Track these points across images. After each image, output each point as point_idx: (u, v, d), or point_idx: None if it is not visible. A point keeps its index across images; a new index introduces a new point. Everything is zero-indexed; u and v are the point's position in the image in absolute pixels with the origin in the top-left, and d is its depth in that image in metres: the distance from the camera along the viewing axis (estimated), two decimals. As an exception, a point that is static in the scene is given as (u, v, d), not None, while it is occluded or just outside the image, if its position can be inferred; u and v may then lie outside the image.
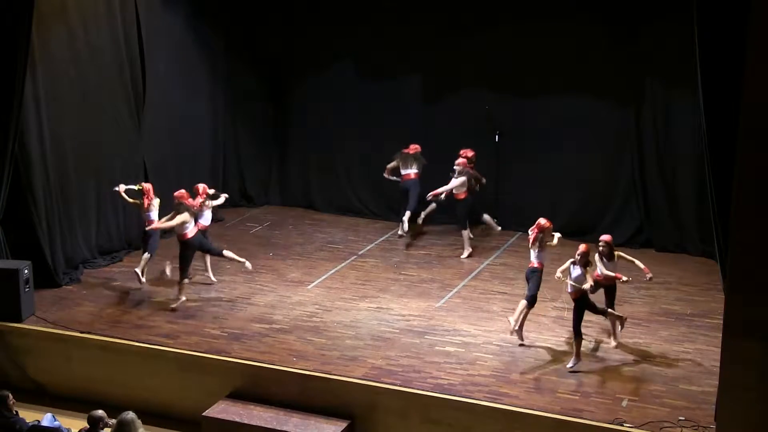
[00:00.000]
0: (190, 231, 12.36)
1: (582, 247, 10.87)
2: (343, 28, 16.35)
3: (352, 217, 16.74)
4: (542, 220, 11.41)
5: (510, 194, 15.82)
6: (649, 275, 11.28)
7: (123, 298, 12.87)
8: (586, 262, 10.79)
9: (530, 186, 15.64)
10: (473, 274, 13.93)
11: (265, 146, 17.47)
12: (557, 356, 11.11)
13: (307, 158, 17.24)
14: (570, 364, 10.76)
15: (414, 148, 15.13)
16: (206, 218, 12.90)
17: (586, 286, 10.70)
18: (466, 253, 14.65)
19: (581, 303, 10.81)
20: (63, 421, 9.72)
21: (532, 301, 11.32)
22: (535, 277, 11.31)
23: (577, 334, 10.77)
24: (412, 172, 15.10)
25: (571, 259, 10.87)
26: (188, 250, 12.45)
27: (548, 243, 11.34)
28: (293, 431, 10.15)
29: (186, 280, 12.56)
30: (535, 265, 11.31)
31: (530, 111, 15.47)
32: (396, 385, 10.36)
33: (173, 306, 12.41)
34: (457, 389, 10.26)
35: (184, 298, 12.53)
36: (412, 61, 16.06)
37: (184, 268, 12.45)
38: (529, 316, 11.53)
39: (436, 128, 15.86)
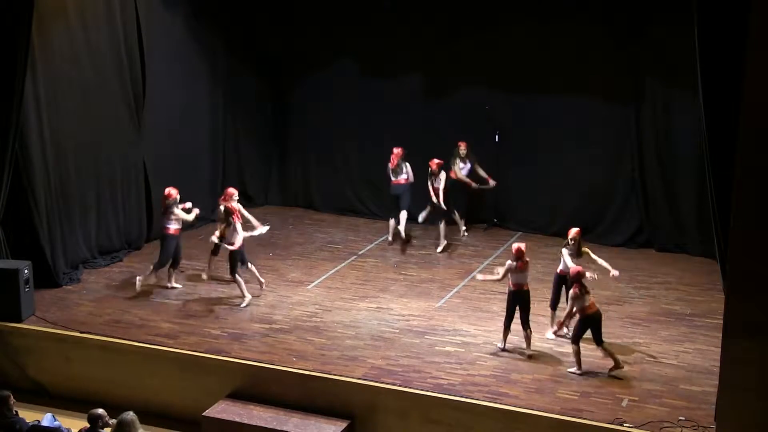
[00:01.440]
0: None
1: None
2: (343, 28, 16.35)
3: (352, 217, 16.75)
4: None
5: (510, 194, 15.82)
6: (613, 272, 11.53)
7: (123, 298, 12.87)
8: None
9: (530, 186, 15.65)
10: (473, 274, 13.93)
11: (265, 146, 17.47)
12: (557, 356, 11.11)
13: (307, 158, 17.24)
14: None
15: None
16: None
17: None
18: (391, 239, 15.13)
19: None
20: (63, 421, 9.71)
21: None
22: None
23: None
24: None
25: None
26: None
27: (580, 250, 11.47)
28: (293, 431, 10.15)
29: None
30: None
31: (530, 111, 15.47)
32: (396, 385, 10.36)
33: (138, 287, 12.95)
34: (457, 389, 10.26)
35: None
36: (412, 61, 16.05)
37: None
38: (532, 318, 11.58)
39: (436, 128, 15.85)
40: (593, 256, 11.51)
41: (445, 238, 14.93)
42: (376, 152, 16.43)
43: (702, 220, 13.88)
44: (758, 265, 8.53)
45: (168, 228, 12.87)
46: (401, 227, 14.95)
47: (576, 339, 10.71)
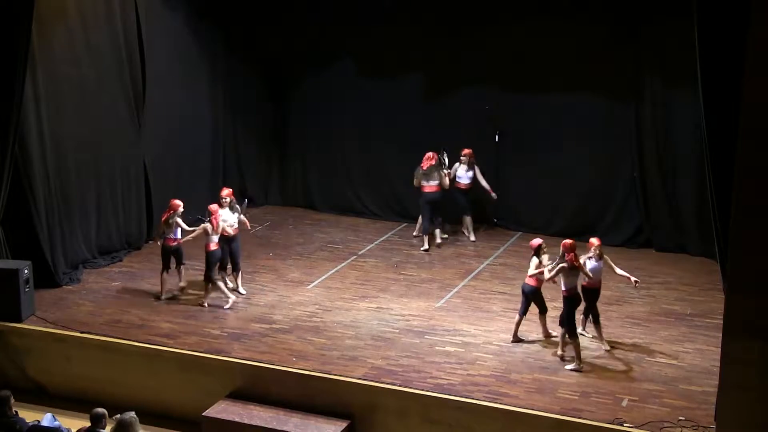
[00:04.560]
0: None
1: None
2: (343, 28, 16.35)
3: (352, 217, 16.75)
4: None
5: (510, 194, 15.82)
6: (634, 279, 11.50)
7: (123, 298, 12.87)
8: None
9: (530, 186, 15.65)
10: (473, 274, 13.94)
11: (265, 146, 17.47)
12: (557, 357, 11.10)
13: (307, 158, 17.24)
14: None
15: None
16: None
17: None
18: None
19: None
20: (63, 421, 9.70)
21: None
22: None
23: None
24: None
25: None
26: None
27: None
28: (293, 431, 10.15)
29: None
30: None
31: (530, 111, 15.47)
32: (396, 385, 10.36)
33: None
34: (457, 389, 10.26)
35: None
36: (412, 61, 16.06)
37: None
38: (528, 316, 11.56)
39: (436, 128, 15.85)
40: (611, 263, 11.42)
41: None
42: (376, 152, 16.47)
43: (702, 220, 13.88)
44: (758, 265, 8.53)
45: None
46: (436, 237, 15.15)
47: (572, 330, 10.76)
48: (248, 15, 16.70)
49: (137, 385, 11.18)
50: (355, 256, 14.74)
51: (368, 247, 15.19)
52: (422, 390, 10.24)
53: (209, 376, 10.93)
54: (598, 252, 11.22)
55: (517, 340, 11.46)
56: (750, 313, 8.62)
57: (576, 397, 10.14)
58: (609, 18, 14.76)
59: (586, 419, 9.65)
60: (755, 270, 8.55)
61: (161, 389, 11.12)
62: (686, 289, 13.41)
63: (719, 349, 9.24)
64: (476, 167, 15.06)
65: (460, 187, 15.10)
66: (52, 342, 11.65)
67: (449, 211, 15.32)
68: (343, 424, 10.25)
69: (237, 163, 17.27)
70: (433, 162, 14.73)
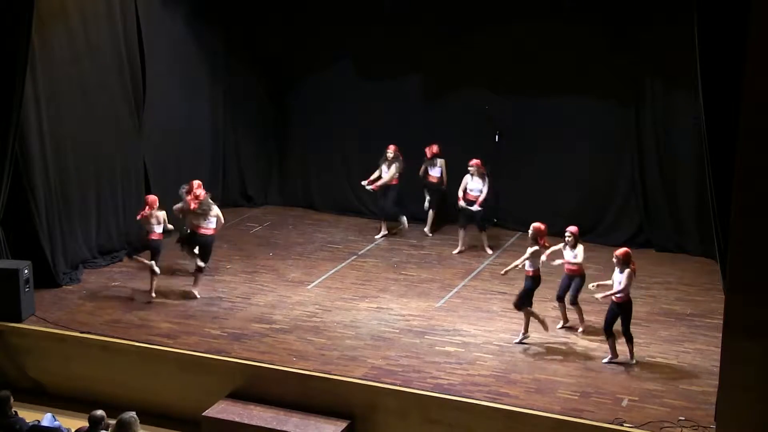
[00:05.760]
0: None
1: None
2: (343, 28, 16.34)
3: (352, 217, 16.75)
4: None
5: (510, 194, 15.83)
6: None
7: (123, 298, 12.86)
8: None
9: (530, 186, 15.64)
10: (473, 274, 13.94)
11: (265, 146, 17.47)
12: (557, 356, 11.11)
13: (307, 158, 17.24)
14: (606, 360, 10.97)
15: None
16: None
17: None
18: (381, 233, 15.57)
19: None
20: (63, 421, 9.69)
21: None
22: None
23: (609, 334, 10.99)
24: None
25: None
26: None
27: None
28: (293, 431, 10.15)
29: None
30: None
31: (530, 111, 15.47)
32: (396, 385, 10.36)
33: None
34: (457, 389, 10.26)
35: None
36: (412, 61, 16.06)
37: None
38: (533, 313, 11.59)
39: (436, 128, 15.85)
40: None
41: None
42: (376, 152, 16.42)
43: (702, 220, 13.88)
44: (758, 265, 8.53)
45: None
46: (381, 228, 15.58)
47: (521, 304, 11.24)
48: (248, 15, 16.69)
49: (137, 385, 11.17)
50: (355, 256, 14.74)
51: (368, 247, 15.19)
52: (422, 390, 10.24)
53: (209, 376, 10.93)
54: (621, 262, 10.84)
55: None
56: (750, 312, 8.63)
57: (576, 397, 10.15)
58: (609, 18, 14.75)
59: (586, 419, 9.65)
60: (755, 270, 8.56)
61: (161, 389, 11.11)
62: (686, 289, 13.42)
63: (719, 349, 9.25)
64: (487, 178, 14.63)
65: (471, 199, 14.81)
66: (52, 342, 11.64)
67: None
68: (343, 424, 10.25)
69: (237, 163, 17.27)
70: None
